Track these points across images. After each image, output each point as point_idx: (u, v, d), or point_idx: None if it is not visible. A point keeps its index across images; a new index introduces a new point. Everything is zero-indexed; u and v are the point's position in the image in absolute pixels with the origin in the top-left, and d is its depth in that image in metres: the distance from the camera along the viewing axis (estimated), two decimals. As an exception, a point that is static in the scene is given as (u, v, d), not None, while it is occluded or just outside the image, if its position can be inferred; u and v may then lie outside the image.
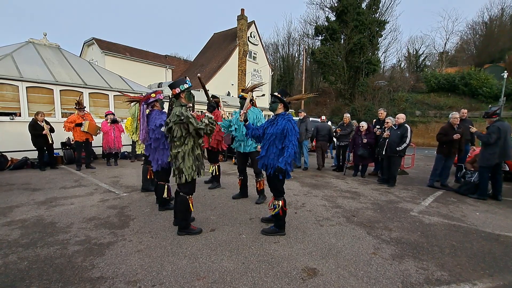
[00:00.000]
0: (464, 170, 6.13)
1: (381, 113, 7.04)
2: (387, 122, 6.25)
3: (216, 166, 5.36)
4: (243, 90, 4.30)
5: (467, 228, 3.72)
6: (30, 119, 6.79)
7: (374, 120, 7.38)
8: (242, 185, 4.79)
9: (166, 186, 3.89)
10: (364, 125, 6.93)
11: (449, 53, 33.87)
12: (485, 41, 31.35)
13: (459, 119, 5.86)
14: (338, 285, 2.30)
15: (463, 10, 48.63)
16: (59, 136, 7.50)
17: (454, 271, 2.59)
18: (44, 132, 6.64)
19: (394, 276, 2.47)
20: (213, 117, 3.14)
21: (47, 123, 6.87)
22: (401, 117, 6.01)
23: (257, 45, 25.09)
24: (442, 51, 33.69)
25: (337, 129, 7.92)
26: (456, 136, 5.65)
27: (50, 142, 6.83)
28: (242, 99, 4.13)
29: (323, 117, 9.04)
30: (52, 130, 6.93)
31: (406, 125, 5.94)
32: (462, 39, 34.94)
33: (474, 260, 2.82)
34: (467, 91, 23.78)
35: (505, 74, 18.97)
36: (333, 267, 2.58)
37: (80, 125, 6.97)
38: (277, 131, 3.06)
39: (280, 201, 3.20)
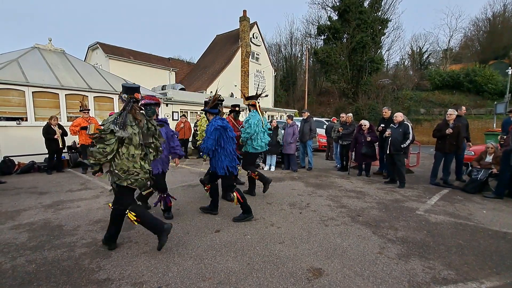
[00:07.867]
0: (470, 168, 6.07)
1: (385, 112, 6.98)
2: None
3: None
4: (248, 98, 4.74)
5: (473, 226, 3.68)
6: (37, 123, 6.90)
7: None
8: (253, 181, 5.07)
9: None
10: (366, 123, 6.93)
11: (453, 50, 33.38)
12: (489, 38, 30.86)
13: (453, 115, 5.85)
14: (344, 285, 2.29)
15: (466, 7, 47.91)
16: (66, 140, 7.58)
17: (461, 270, 2.57)
18: (55, 137, 6.77)
19: (400, 275, 2.45)
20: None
21: (61, 127, 7.02)
22: (399, 115, 6.07)
23: (259, 46, 25.12)
24: (446, 48, 33.28)
25: (340, 128, 7.88)
26: (448, 131, 5.69)
27: (60, 146, 6.99)
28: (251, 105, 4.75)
29: (333, 118, 10.86)
30: (65, 134, 7.12)
31: (405, 122, 5.98)
32: (466, 35, 34.39)
33: (481, 258, 2.79)
34: (472, 88, 23.47)
35: (510, 71, 18.71)
36: (338, 267, 2.58)
37: (85, 128, 7.06)
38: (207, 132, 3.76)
39: (234, 193, 3.68)
